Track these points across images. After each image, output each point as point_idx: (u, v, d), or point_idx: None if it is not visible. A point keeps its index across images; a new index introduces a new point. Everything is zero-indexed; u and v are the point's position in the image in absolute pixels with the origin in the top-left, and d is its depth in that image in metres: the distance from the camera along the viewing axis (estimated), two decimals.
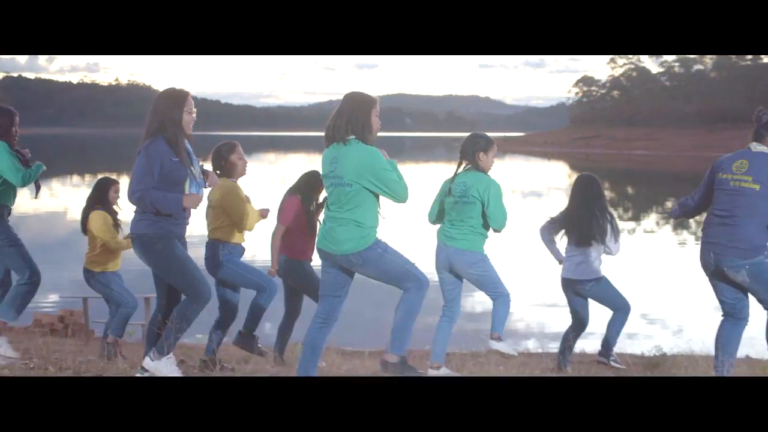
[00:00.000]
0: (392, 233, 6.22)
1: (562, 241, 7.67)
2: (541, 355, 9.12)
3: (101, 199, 8.26)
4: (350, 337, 8.73)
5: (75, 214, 13.25)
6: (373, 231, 5.45)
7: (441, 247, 6.70)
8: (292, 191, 7.49)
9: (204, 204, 6.15)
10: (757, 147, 5.97)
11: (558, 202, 33.85)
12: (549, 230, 7.73)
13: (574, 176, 8.17)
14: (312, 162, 8.21)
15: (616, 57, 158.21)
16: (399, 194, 5.38)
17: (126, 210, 6.71)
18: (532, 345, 10.51)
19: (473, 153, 6.58)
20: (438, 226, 6.77)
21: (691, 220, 27.42)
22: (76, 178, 50.41)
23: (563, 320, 12.01)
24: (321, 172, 5.59)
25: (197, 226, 6.26)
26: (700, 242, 6.13)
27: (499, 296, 6.63)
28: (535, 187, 42.43)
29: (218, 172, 6.87)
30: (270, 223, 7.27)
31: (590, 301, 7.71)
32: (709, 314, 11.96)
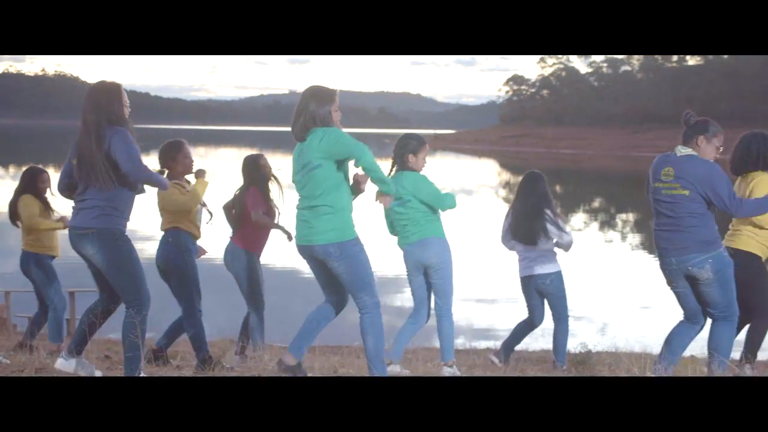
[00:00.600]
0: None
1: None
2: (468, 351, 9.18)
3: (30, 188, 8.14)
4: (282, 333, 8.69)
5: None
6: (351, 220, 5.42)
7: (405, 252, 6.76)
8: (246, 185, 7.58)
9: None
10: (682, 151, 6.06)
11: (488, 200, 34.18)
12: (506, 237, 7.78)
13: (504, 174, 8.25)
14: (243, 156, 8.21)
15: (546, 57, 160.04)
16: (365, 156, 5.36)
17: (59, 200, 6.60)
18: (460, 342, 10.56)
19: (402, 155, 6.64)
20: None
21: (617, 220, 27.77)
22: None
23: (491, 316, 12.15)
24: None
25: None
26: (658, 254, 6.17)
27: (446, 311, 6.77)
28: (466, 184, 42.73)
29: (164, 170, 6.79)
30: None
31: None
32: (634, 312, 12.19)
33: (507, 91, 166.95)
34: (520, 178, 7.92)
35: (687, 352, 7.22)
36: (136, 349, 5.35)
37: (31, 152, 66.38)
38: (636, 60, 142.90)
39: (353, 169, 5.45)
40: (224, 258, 7.65)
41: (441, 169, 56.97)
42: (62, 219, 8.00)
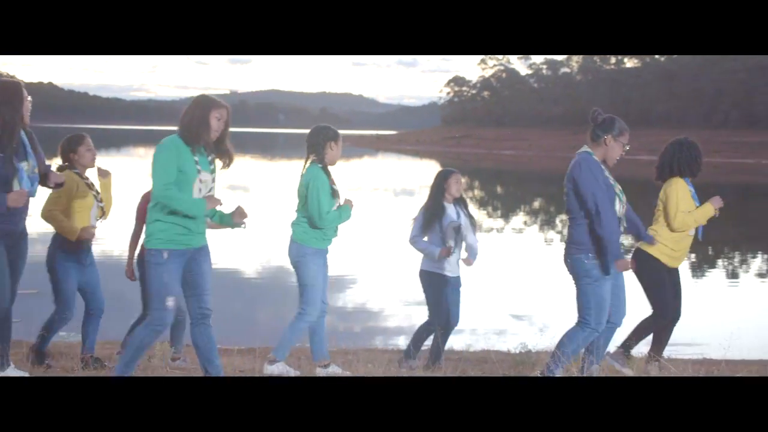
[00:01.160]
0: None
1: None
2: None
3: None
4: (218, 335, 8.60)
5: None
6: (158, 231, 5.40)
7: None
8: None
9: None
10: (582, 148, 6.15)
11: None
12: (418, 235, 7.68)
13: None
14: None
15: (487, 58, 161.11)
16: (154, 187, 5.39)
17: None
18: (402, 342, 10.56)
19: (324, 143, 6.61)
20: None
21: (557, 221, 28.09)
22: None
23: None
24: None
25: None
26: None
27: (297, 312, 6.70)
28: (407, 185, 42.82)
29: (66, 164, 6.73)
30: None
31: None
32: (574, 312, 12.31)
33: (448, 93, 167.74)
34: (462, 179, 7.93)
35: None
36: None
37: None
38: (575, 62, 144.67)
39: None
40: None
41: (383, 170, 57.03)
42: None
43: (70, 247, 6.65)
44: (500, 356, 8.34)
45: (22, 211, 5.45)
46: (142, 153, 76.71)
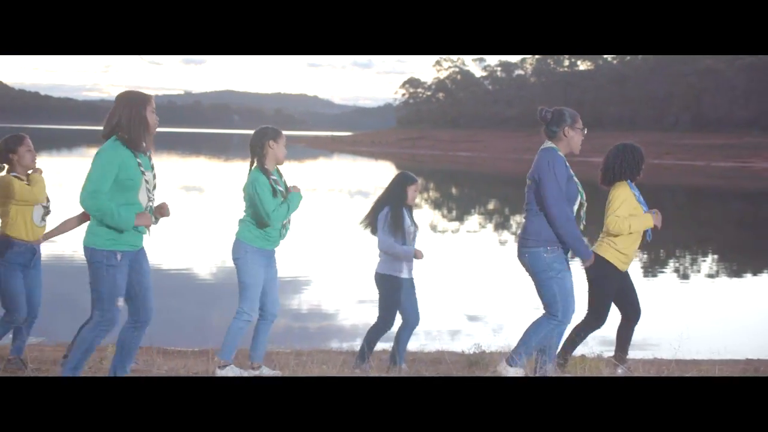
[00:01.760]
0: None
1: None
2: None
3: None
4: (172, 336, 8.57)
5: None
6: (102, 231, 5.34)
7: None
8: None
9: None
10: (544, 144, 6.23)
11: None
12: (389, 239, 7.70)
13: None
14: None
15: (441, 59, 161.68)
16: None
17: None
18: (358, 343, 10.56)
19: (262, 143, 6.61)
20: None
21: (511, 221, 28.23)
22: None
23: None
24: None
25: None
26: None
27: (239, 311, 6.68)
28: (362, 186, 42.83)
29: (5, 165, 6.63)
30: None
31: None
32: (528, 312, 12.39)
33: (403, 94, 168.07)
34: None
35: (577, 351, 7.40)
36: None
37: None
38: (529, 64, 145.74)
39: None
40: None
41: (338, 171, 56.97)
42: None
43: (15, 249, 6.57)
44: (454, 357, 8.38)
45: None
46: (93, 153, 75.88)
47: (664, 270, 17.97)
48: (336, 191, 36.61)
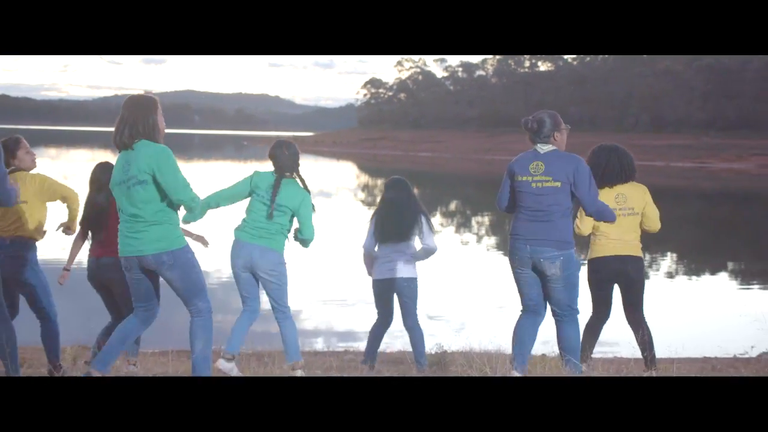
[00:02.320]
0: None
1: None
2: (326, 354, 9.17)
3: None
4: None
5: None
6: (180, 231, 5.54)
7: (243, 245, 6.67)
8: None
9: None
10: (543, 148, 6.27)
11: (347, 202, 34.31)
12: (372, 241, 7.80)
13: (363, 176, 8.29)
14: (97, 157, 7.92)
15: (403, 60, 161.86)
16: (182, 200, 5.46)
17: None
18: (320, 344, 10.57)
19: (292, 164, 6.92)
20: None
21: (473, 222, 28.32)
22: None
23: (350, 319, 12.19)
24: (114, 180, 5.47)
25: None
26: (511, 240, 6.33)
27: (286, 318, 6.86)
28: (325, 186, 42.76)
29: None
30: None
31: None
32: (490, 312, 12.46)
33: (365, 94, 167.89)
34: (379, 181, 8.00)
35: (537, 350, 7.45)
36: None
37: None
38: (490, 65, 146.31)
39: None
40: (96, 273, 6.99)
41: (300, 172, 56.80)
42: None
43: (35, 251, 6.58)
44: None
45: None
46: (53, 154, 75.08)
47: None
48: None
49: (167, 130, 5.55)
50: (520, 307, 6.48)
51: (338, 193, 38.66)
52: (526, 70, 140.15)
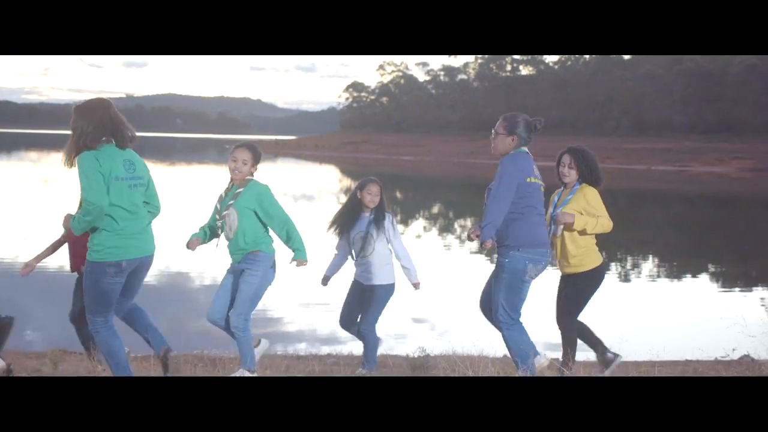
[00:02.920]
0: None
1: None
2: (309, 358, 9.15)
3: None
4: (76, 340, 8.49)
5: None
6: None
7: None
8: None
9: None
10: (523, 150, 6.40)
11: (329, 206, 34.25)
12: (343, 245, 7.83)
13: (345, 180, 8.29)
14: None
15: (385, 63, 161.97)
16: (154, 205, 5.85)
17: None
18: (303, 348, 10.54)
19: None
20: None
21: (455, 225, 28.32)
22: None
23: (334, 323, 12.18)
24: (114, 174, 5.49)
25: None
26: (532, 248, 6.32)
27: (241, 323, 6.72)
28: (307, 190, 42.71)
29: None
30: None
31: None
32: (473, 316, 12.47)
33: (347, 98, 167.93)
34: None
35: None
36: None
37: None
38: (471, 69, 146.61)
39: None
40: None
41: (282, 175, 56.77)
42: None
43: None
44: (398, 360, 8.40)
45: None
46: (34, 157, 74.65)
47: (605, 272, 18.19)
48: (280, 195, 36.39)
49: (150, 134, 5.60)
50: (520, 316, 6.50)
51: (320, 197, 38.63)
52: (508, 73, 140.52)
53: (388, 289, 7.64)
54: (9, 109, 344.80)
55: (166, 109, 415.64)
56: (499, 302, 6.28)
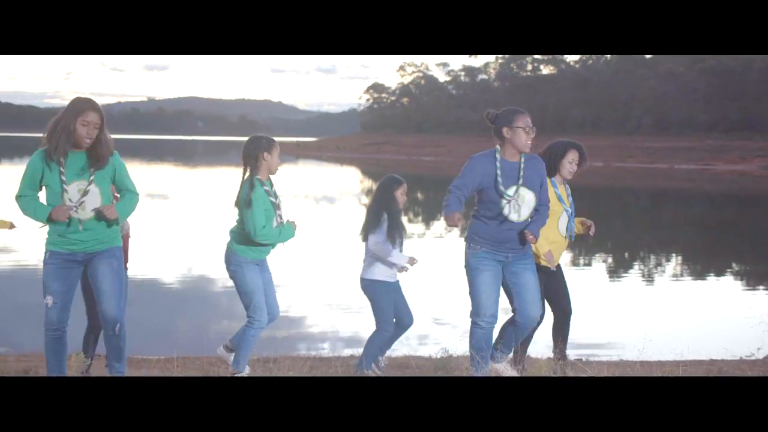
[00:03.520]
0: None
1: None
2: (331, 359, 9.16)
3: None
4: (138, 344, 8.51)
5: None
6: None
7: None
8: None
9: None
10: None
11: (350, 207, 34.29)
12: (384, 242, 7.63)
13: (366, 181, 8.28)
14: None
15: (405, 64, 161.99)
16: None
17: None
18: (326, 349, 10.56)
19: (256, 155, 6.58)
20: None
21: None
22: None
23: (355, 324, 12.19)
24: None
25: None
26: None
27: (247, 322, 6.67)
28: (328, 192, 42.77)
29: None
30: None
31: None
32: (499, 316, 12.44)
33: (368, 99, 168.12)
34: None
35: (542, 353, 7.43)
36: None
37: None
38: (492, 69, 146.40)
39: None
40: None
41: (304, 177, 56.87)
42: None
43: None
44: (421, 362, 8.39)
45: None
46: None
47: (628, 272, 18.12)
48: (301, 197, 36.50)
49: (172, 137, 5.63)
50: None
51: (342, 198, 38.68)
52: (529, 73, 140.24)
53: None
54: (32, 113, 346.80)
55: (187, 112, 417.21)
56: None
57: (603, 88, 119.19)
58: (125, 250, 7.02)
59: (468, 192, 6.26)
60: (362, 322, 12.35)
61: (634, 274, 18.05)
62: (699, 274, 18.94)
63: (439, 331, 11.56)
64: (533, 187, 6.29)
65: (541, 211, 6.40)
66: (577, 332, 7.28)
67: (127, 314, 6.93)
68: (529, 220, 6.37)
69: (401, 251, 7.55)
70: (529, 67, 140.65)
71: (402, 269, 7.48)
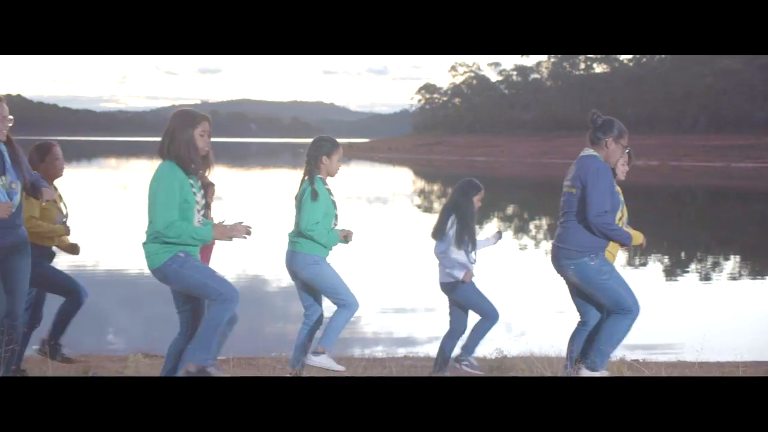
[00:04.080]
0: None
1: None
2: (386, 360, 9.18)
3: None
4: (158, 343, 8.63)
5: None
6: (173, 246, 5.48)
7: (286, 253, 6.76)
8: None
9: None
10: (586, 151, 6.19)
11: (403, 208, 34.31)
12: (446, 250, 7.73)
13: (418, 182, 8.29)
14: (155, 167, 7.95)
15: (457, 65, 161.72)
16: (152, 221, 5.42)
17: None
18: (380, 350, 10.57)
19: (316, 158, 6.66)
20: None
21: (531, 226, 28.10)
22: None
23: (411, 326, 12.19)
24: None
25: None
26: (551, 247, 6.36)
27: (340, 305, 6.68)
28: (381, 192, 42.82)
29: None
30: None
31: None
32: (550, 317, 12.36)
33: (419, 100, 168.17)
34: (435, 186, 7.97)
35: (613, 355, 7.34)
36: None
37: None
38: (545, 68, 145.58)
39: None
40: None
41: (356, 178, 57.04)
42: None
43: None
44: (477, 362, 8.37)
45: (4, 225, 5.37)
46: (113, 164, 76.30)
47: (685, 272, 17.89)
48: (354, 198, 36.60)
49: (225, 139, 5.64)
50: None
51: (394, 200, 38.70)
52: (582, 72, 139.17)
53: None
54: (89, 117, 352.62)
55: (241, 115, 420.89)
56: None
57: (658, 85, 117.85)
58: (208, 256, 7.11)
59: None
60: (416, 324, 12.36)
61: (692, 273, 17.82)
62: (758, 274, 18.63)
63: (495, 332, 11.51)
64: None
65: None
66: (634, 333, 7.19)
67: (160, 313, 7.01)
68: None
69: (474, 255, 7.58)
70: (582, 65, 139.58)
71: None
